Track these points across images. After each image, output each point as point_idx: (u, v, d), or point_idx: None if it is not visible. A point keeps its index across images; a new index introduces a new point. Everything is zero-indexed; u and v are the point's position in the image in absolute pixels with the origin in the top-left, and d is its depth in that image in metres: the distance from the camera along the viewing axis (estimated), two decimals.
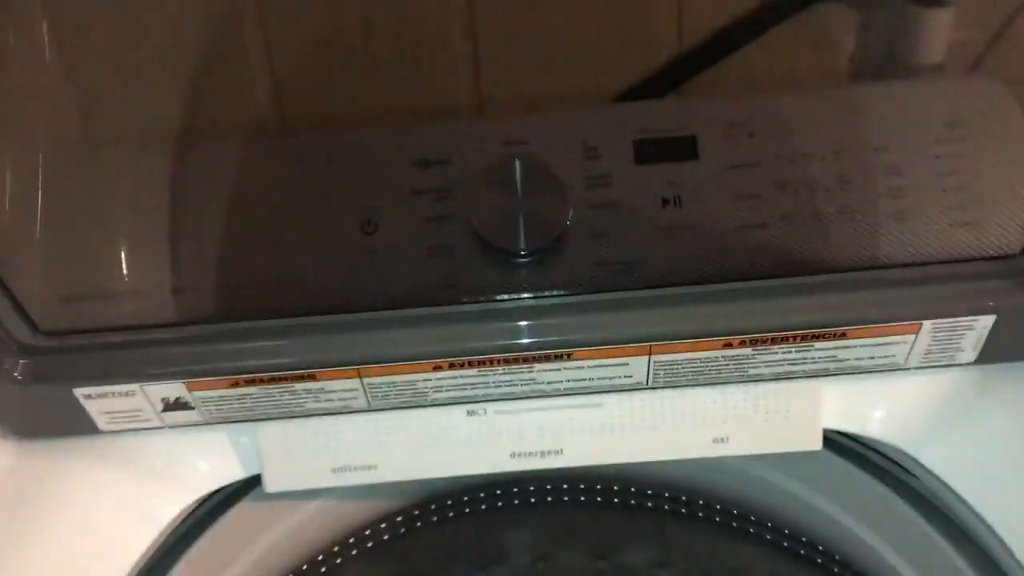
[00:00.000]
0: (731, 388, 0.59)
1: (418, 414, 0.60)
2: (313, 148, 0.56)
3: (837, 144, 0.55)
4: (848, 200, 0.55)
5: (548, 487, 0.88)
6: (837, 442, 0.68)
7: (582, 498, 0.89)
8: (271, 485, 0.61)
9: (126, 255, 0.55)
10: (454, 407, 0.60)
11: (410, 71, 0.73)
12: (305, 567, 0.80)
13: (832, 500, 0.73)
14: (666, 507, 0.87)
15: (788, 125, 0.56)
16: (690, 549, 0.90)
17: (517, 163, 0.55)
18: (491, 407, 0.60)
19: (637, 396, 0.59)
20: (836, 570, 0.80)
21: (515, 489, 0.88)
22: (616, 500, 0.88)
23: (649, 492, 0.87)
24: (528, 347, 0.55)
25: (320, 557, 0.81)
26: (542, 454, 0.62)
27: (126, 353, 0.54)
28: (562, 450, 0.62)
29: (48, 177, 0.56)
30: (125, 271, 0.55)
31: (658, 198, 0.56)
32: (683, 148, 0.57)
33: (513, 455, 0.62)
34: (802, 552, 0.81)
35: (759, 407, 0.60)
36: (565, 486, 0.88)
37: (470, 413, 0.60)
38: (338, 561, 0.82)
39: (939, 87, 0.58)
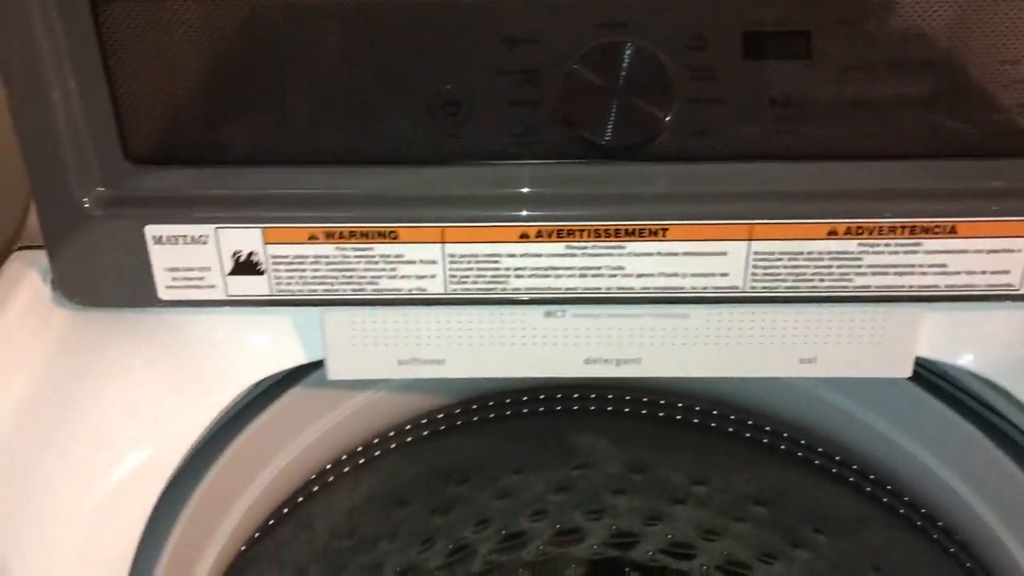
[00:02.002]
0: (827, 307, 0.55)
1: (494, 311, 0.56)
2: (396, 19, 0.51)
3: (959, 46, 0.50)
4: (968, 102, 0.50)
5: (592, 395, 0.86)
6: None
7: (626, 409, 0.86)
8: (334, 372, 0.58)
9: (215, 95, 0.50)
10: (532, 308, 0.56)
11: None
12: (345, 456, 0.78)
13: (898, 427, 0.70)
14: (712, 425, 0.84)
15: (907, 24, 0.51)
16: (731, 468, 0.88)
17: (621, 48, 0.50)
18: (571, 309, 0.56)
19: (727, 310, 0.56)
20: (886, 499, 0.78)
21: (558, 395, 0.86)
22: (661, 414, 0.86)
23: (696, 408, 0.84)
24: (621, 215, 0.51)
25: (360, 448, 0.78)
26: (618, 362, 0.58)
27: (208, 187, 0.50)
28: (640, 359, 0.58)
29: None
30: (214, 111, 0.50)
31: (766, 96, 0.51)
32: (796, 44, 0.52)
33: (588, 361, 0.58)
34: (851, 479, 0.79)
35: (853, 329, 0.56)
36: (610, 395, 0.86)
37: (548, 314, 0.56)
38: (376, 453, 0.80)
39: None
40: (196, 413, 0.55)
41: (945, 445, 0.66)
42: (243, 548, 0.71)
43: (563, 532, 0.96)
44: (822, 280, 0.53)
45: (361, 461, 0.79)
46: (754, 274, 0.53)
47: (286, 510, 0.75)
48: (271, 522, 0.74)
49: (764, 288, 0.54)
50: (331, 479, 0.77)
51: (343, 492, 0.79)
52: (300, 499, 0.76)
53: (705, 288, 0.54)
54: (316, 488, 0.77)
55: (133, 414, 0.54)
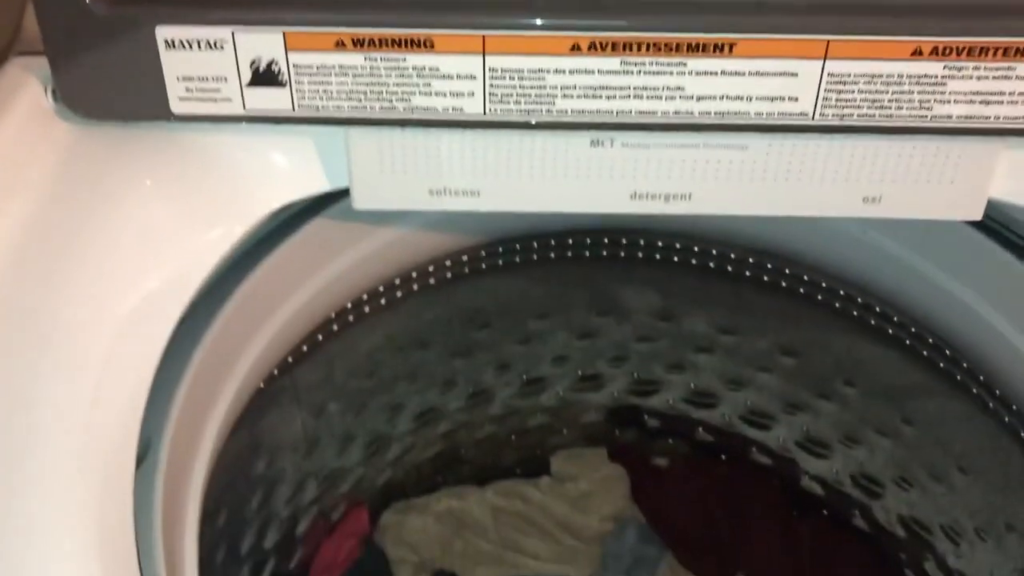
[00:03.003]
0: (900, 139, 0.50)
1: (535, 138, 0.51)
2: None
3: None
4: None
5: (622, 241, 0.82)
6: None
7: (657, 256, 0.82)
8: (360, 201, 0.53)
9: None
10: (576, 136, 0.51)
11: None
12: (366, 296, 0.75)
13: (954, 276, 0.66)
14: (747, 272, 0.81)
15: None
16: (763, 318, 0.85)
17: None
18: (619, 138, 0.51)
19: (790, 140, 0.51)
20: (927, 354, 0.75)
21: (587, 240, 0.82)
22: (694, 261, 0.82)
23: (731, 256, 0.80)
24: (685, 26, 0.45)
25: (381, 288, 0.75)
26: (667, 198, 0.53)
27: None
28: (691, 195, 0.53)
29: None
30: None
31: None
32: None
33: (634, 196, 0.54)
34: (891, 332, 0.76)
35: (925, 165, 0.51)
36: (641, 241, 0.82)
37: (594, 143, 0.52)
38: (398, 294, 0.77)
39: None
40: (212, 241, 0.51)
41: (1007, 299, 0.63)
42: (262, 385, 0.69)
43: (584, 379, 0.94)
44: (900, 108, 0.48)
45: (382, 302, 0.76)
46: (825, 99, 0.48)
47: (306, 348, 0.72)
48: (290, 360, 0.72)
49: (834, 116, 0.49)
50: (351, 319, 0.74)
51: (363, 332, 0.77)
52: (320, 337, 0.73)
53: (770, 115, 0.49)
54: (336, 327, 0.74)
55: (144, 241, 0.50)
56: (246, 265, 0.59)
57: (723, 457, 0.99)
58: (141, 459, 0.49)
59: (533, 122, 0.49)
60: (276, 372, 0.71)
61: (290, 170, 0.52)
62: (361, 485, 0.91)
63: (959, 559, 0.81)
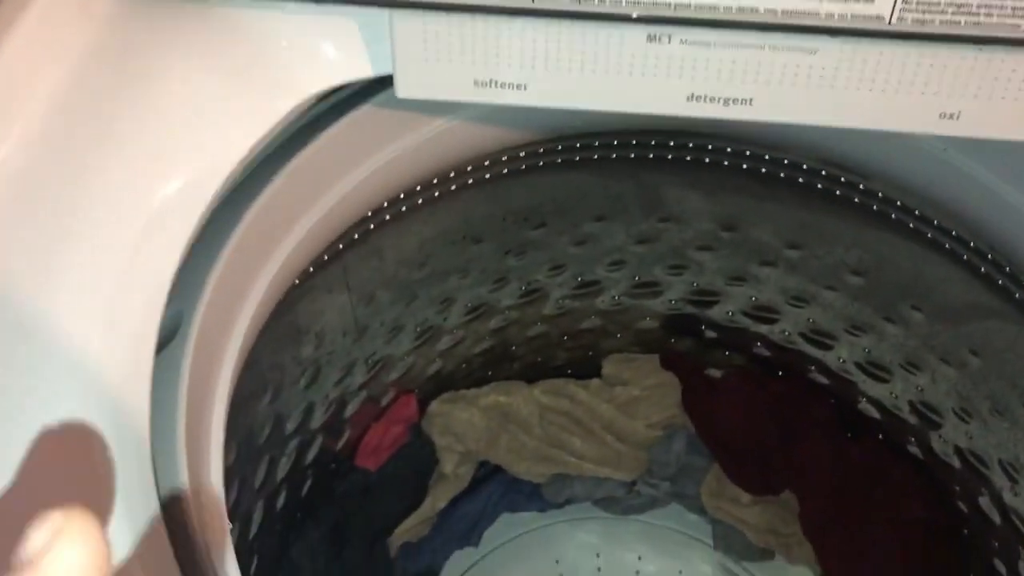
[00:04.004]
0: (986, 50, 0.46)
1: (587, 30, 0.48)
2: None
3: None
4: None
5: (688, 144, 0.78)
6: None
7: (724, 161, 0.79)
8: (403, 90, 0.52)
9: None
10: (631, 29, 0.48)
11: None
12: (418, 187, 0.74)
13: None
14: (818, 185, 0.77)
15: None
16: (832, 233, 0.81)
17: None
18: (678, 33, 0.48)
19: (863, 46, 0.47)
20: (1002, 283, 0.71)
21: (651, 141, 0.79)
22: (763, 170, 0.78)
23: (803, 166, 0.76)
24: None
25: (434, 180, 0.74)
26: (726, 101, 0.50)
27: None
28: (752, 99, 0.50)
29: None
30: None
31: None
32: None
33: (691, 98, 0.51)
34: (965, 257, 0.72)
35: (1013, 80, 0.47)
36: (708, 145, 0.78)
37: (651, 38, 0.49)
38: (452, 187, 0.75)
39: None
40: (253, 121, 0.50)
41: None
42: (310, 269, 0.69)
43: (640, 285, 0.93)
44: (988, 14, 0.44)
45: (436, 194, 0.75)
46: (905, 1, 0.44)
47: (357, 236, 0.72)
48: (341, 246, 0.72)
49: (914, 21, 0.45)
50: (403, 208, 0.74)
51: (415, 224, 0.76)
52: (372, 226, 0.73)
53: (842, 16, 0.45)
54: (388, 216, 0.73)
55: (185, 120, 0.49)
56: (293, 147, 0.58)
57: (779, 373, 0.97)
58: (172, 334, 0.50)
59: (585, 11, 0.46)
60: (327, 258, 0.72)
61: (335, 54, 0.51)
62: (411, 373, 0.92)
63: (1016, 496, 0.79)
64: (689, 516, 1.08)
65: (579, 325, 0.96)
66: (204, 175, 0.49)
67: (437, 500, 0.97)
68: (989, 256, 0.70)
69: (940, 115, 0.49)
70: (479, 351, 0.95)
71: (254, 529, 0.76)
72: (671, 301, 0.94)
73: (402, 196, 0.73)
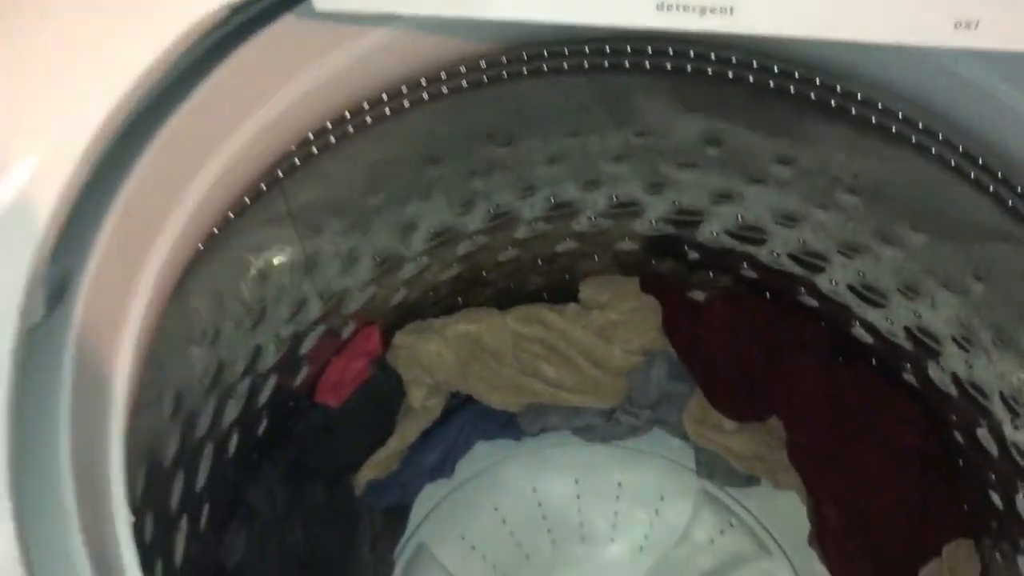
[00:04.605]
0: None
1: None
2: None
3: None
4: None
5: (667, 51, 0.70)
6: None
7: (708, 69, 0.71)
8: (321, 1, 0.44)
9: None
10: None
11: None
12: (367, 105, 0.66)
13: None
14: (811, 95, 0.69)
15: None
16: (826, 148, 0.74)
17: None
18: None
19: None
20: (1011, 202, 0.65)
21: (626, 47, 0.70)
22: (751, 79, 0.70)
23: (795, 75, 0.69)
24: None
25: (385, 96, 0.66)
26: (703, 11, 0.43)
27: None
28: (732, 8, 0.43)
29: None
30: None
31: None
32: None
33: (661, 7, 0.43)
34: (972, 174, 0.65)
35: None
36: (690, 52, 0.70)
37: None
38: (405, 104, 0.68)
39: None
40: (154, 35, 0.43)
41: None
42: (245, 200, 0.63)
43: (619, 205, 0.86)
44: None
45: (386, 111, 0.67)
46: None
47: (296, 160, 0.65)
48: (280, 173, 0.65)
49: None
50: (350, 128, 0.66)
51: (365, 145, 0.69)
52: (315, 149, 0.66)
53: None
54: (332, 139, 0.66)
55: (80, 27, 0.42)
56: (209, 65, 0.51)
57: (767, 295, 0.91)
58: (60, 294, 0.44)
59: None
60: (264, 186, 0.65)
61: None
62: (373, 304, 0.86)
63: (1016, 430, 0.74)
64: (671, 441, 1.04)
65: (554, 248, 0.90)
66: (91, 102, 0.42)
67: (406, 434, 0.92)
68: (1000, 175, 0.63)
69: (955, 24, 0.42)
70: (447, 278, 0.89)
71: (202, 479, 0.72)
72: (652, 221, 0.87)
73: (348, 116, 0.65)
